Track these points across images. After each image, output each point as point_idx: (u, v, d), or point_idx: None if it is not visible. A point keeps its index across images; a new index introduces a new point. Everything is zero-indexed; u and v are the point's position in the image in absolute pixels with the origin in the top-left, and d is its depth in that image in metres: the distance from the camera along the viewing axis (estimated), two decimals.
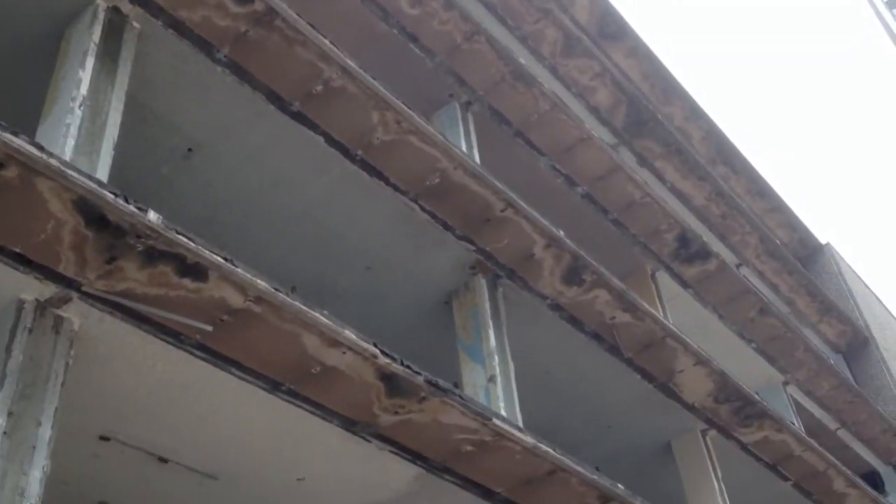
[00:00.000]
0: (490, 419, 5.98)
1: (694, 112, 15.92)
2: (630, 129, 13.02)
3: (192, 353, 4.92)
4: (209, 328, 4.74)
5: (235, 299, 4.71)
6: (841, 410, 15.10)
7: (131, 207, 4.24)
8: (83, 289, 4.41)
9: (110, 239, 4.28)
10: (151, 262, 4.42)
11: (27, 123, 4.88)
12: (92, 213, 4.20)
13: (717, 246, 13.34)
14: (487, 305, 7.89)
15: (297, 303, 4.90)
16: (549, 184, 10.18)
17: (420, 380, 5.52)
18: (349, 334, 5.14)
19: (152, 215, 4.30)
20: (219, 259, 4.55)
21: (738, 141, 16.92)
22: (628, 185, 10.79)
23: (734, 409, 10.22)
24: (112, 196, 4.20)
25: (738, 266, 14.48)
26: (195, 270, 4.51)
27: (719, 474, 9.97)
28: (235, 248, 4.81)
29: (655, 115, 13.27)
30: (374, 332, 5.40)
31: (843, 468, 11.62)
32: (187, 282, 4.54)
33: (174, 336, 4.81)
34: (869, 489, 12.24)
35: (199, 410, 5.37)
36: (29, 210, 4.14)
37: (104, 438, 5.32)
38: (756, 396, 10.41)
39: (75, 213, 4.18)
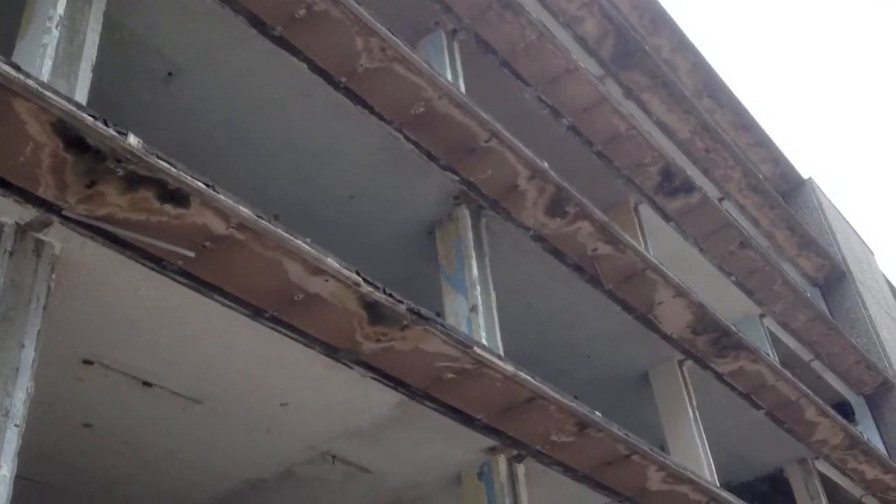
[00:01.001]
0: (471, 347, 6.06)
1: (681, 44, 15.77)
2: (617, 61, 12.90)
3: (174, 279, 4.92)
4: (191, 254, 4.74)
5: (218, 226, 4.70)
6: (815, 342, 15.41)
7: (111, 131, 4.18)
8: (64, 213, 4.39)
9: (90, 163, 4.24)
10: (132, 187, 4.38)
11: (1, 45, 4.78)
12: (71, 136, 4.15)
13: (700, 179, 13.37)
14: (470, 236, 7.92)
15: (279, 230, 4.90)
16: (535, 115, 10.12)
17: (402, 308, 5.57)
18: (332, 262, 5.16)
19: (132, 139, 4.25)
20: (201, 185, 4.52)
21: (725, 74, 16.82)
22: (614, 117, 10.74)
23: (711, 341, 10.40)
24: (91, 119, 4.14)
25: (720, 200, 14.55)
26: (177, 196, 4.49)
27: (694, 403, 10.20)
28: (217, 175, 4.77)
29: (643, 47, 13.14)
30: (357, 261, 5.41)
31: (815, 398, 11.91)
32: (169, 208, 4.52)
33: (156, 262, 4.80)
34: (839, 418, 12.57)
35: (183, 336, 5.40)
36: (7, 132, 4.08)
37: (88, 362, 5.36)
38: (733, 328, 10.59)
39: (54, 136, 4.12)
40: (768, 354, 11.84)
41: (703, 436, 9.97)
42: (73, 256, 4.64)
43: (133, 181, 4.36)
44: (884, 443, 16.38)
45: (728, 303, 12.90)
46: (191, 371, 5.69)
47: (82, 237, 4.55)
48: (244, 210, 4.71)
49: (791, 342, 15.05)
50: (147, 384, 5.65)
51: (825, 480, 13.03)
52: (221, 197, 4.60)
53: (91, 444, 6.20)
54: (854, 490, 13.92)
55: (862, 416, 16.78)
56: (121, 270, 4.80)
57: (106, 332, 5.23)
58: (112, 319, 5.15)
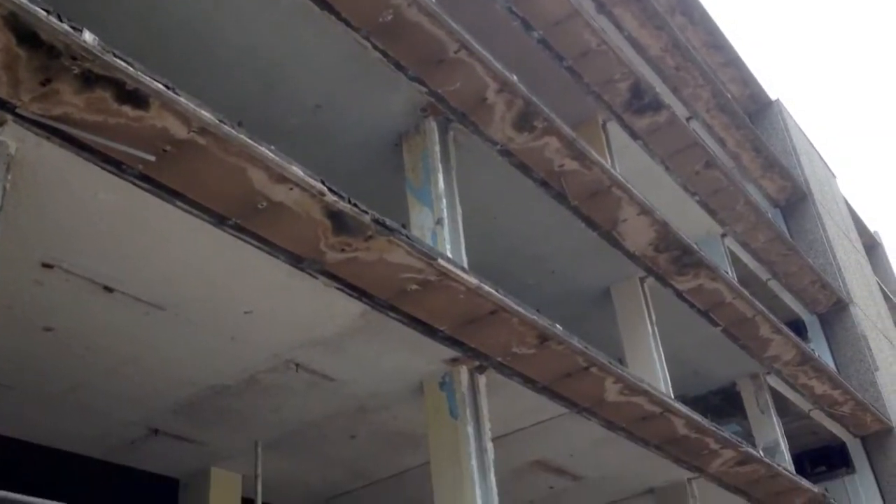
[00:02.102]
0: (435, 259, 6.07)
1: None
2: None
3: (134, 184, 4.83)
4: (151, 158, 4.64)
5: (178, 130, 4.60)
6: (774, 262, 15.71)
7: (65, 26, 4.02)
8: (18, 111, 4.25)
9: (44, 59, 4.08)
10: (89, 87, 4.25)
11: None
12: (23, 31, 3.98)
13: (668, 98, 13.33)
14: (437, 149, 7.85)
15: (242, 136, 4.80)
16: (506, 26, 9.94)
17: (367, 218, 5.54)
18: (296, 170, 5.09)
19: (88, 36, 4.09)
20: (160, 86, 4.39)
21: None
22: (585, 31, 10.59)
23: (673, 258, 10.55)
24: (44, 13, 3.97)
25: (687, 119, 14.56)
26: (135, 97, 4.36)
27: (653, 319, 10.41)
28: (179, 80, 4.63)
29: None
30: (323, 172, 5.34)
31: (771, 316, 12.21)
32: (127, 109, 4.39)
33: (115, 165, 4.70)
34: (792, 335, 12.94)
35: (145, 242, 5.34)
36: None
37: (47, 266, 5.29)
38: (694, 247, 10.74)
39: (6, 31, 3.95)
40: (727, 273, 12.07)
41: (661, 351, 10.22)
42: (29, 157, 4.53)
43: (89, 80, 4.22)
44: (834, 360, 16.94)
45: (691, 222, 13.05)
46: (153, 277, 5.65)
47: (38, 137, 4.43)
48: (205, 114, 4.60)
49: (750, 261, 15.34)
50: (108, 289, 5.61)
51: (776, 395, 13.49)
52: (182, 99, 4.48)
53: (52, 347, 6.18)
54: (803, 404, 14.45)
55: (814, 335, 17.28)
56: (79, 173, 4.70)
57: (65, 236, 5.16)
58: (71, 223, 5.07)
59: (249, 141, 4.85)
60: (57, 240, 5.17)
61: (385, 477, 9.09)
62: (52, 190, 4.79)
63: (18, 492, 4.71)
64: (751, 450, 9.95)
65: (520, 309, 6.71)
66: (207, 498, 8.16)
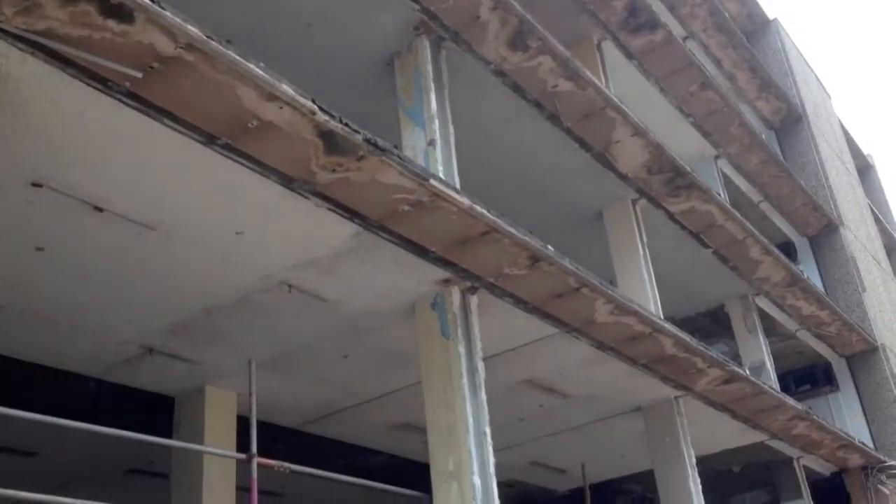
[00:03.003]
0: (427, 180, 6.04)
1: None
2: None
3: (122, 101, 4.75)
4: (138, 75, 4.55)
5: (165, 45, 4.50)
6: (766, 184, 15.72)
7: None
8: (1, 26, 4.15)
9: None
10: (72, 0, 4.14)
11: None
12: None
13: (665, 17, 13.10)
14: (430, 68, 7.74)
15: (231, 52, 4.71)
16: None
17: (359, 138, 5.48)
18: (286, 89, 5.01)
19: None
20: (145, 0, 4.28)
21: None
22: None
23: (665, 180, 10.54)
24: None
25: (684, 39, 14.33)
26: (120, 11, 4.25)
27: (644, 241, 10.46)
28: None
29: None
30: (314, 92, 5.26)
31: (761, 238, 12.28)
32: (112, 23, 4.29)
33: (102, 82, 4.61)
34: (782, 257, 13.04)
35: (134, 161, 5.29)
36: None
37: (36, 185, 5.25)
38: (687, 168, 10.71)
39: None
40: (720, 195, 12.08)
41: (651, 272, 10.29)
42: (14, 73, 4.44)
43: None
44: (823, 281, 17.13)
45: (684, 143, 13.01)
46: (143, 197, 5.61)
47: (22, 53, 4.33)
48: (192, 29, 4.50)
49: (742, 183, 15.35)
50: (98, 209, 5.57)
51: (763, 315, 13.68)
52: (168, 14, 4.37)
53: (44, 268, 6.18)
54: (790, 325, 14.66)
55: (804, 257, 17.43)
56: (65, 90, 4.61)
57: (53, 155, 5.09)
58: (59, 142, 5.00)
59: (238, 58, 4.75)
60: (45, 158, 5.11)
61: (377, 396, 9.25)
62: (39, 107, 4.71)
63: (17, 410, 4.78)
64: (737, 369, 10.13)
65: (511, 230, 6.72)
66: (203, 415, 8.29)
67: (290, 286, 6.91)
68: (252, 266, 6.58)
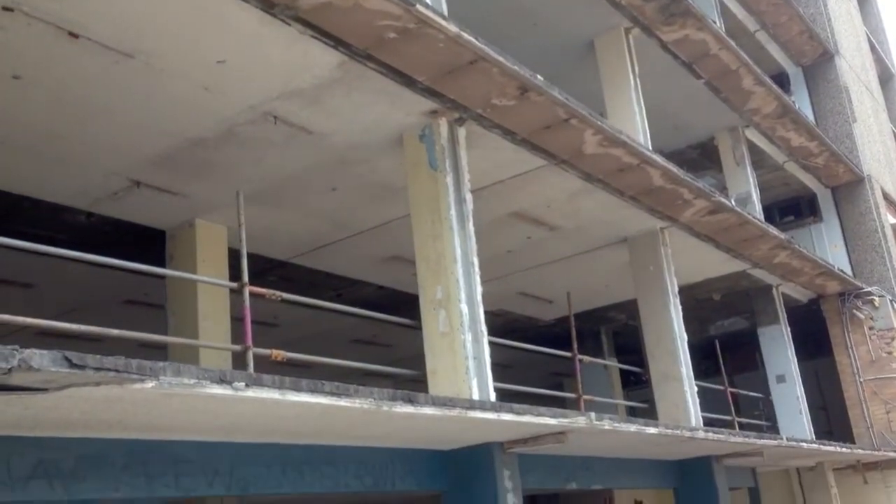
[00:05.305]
0: (414, 5, 5.82)
1: None
2: None
3: None
4: None
5: None
6: (763, 12, 15.28)
7: None
8: None
9: None
10: None
11: None
12: None
13: None
14: None
15: None
16: None
17: None
18: None
19: None
20: None
21: None
22: None
23: (660, 7, 10.22)
24: None
25: None
26: None
27: (636, 71, 10.27)
28: None
29: None
30: None
31: (755, 67, 12.06)
32: None
33: None
34: (774, 87, 12.87)
35: None
36: None
37: (7, 9, 5.04)
38: None
39: None
40: (715, 23, 11.74)
41: (642, 104, 10.17)
42: None
43: None
44: (814, 112, 17.02)
45: None
46: (120, 24, 5.41)
47: None
48: None
49: (739, 11, 14.90)
50: (74, 35, 5.38)
51: (752, 148, 13.67)
52: None
53: (22, 96, 6.05)
54: (778, 156, 14.69)
55: (797, 88, 17.21)
56: None
57: None
58: None
59: None
60: None
61: (367, 228, 9.35)
62: None
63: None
64: (723, 199, 10.22)
65: (500, 58, 6.55)
66: (195, 248, 8.39)
67: (275, 118, 6.82)
68: (236, 96, 6.46)
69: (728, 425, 11.68)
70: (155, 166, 7.36)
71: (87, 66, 5.77)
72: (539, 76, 7.01)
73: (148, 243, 8.53)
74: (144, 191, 7.75)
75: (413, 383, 7.59)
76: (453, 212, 6.99)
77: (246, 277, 6.10)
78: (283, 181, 7.98)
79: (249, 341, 5.88)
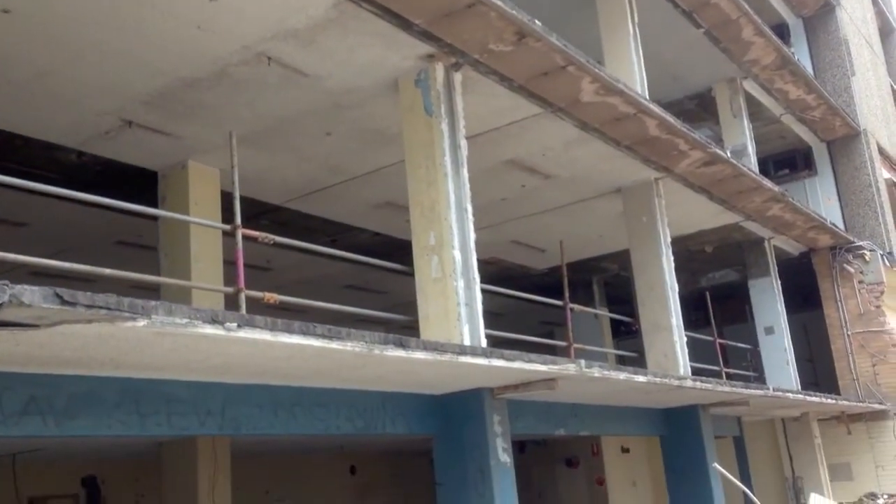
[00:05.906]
0: None
1: None
2: None
3: None
4: None
5: None
6: None
7: None
8: None
9: None
10: None
11: None
12: None
13: None
14: None
15: None
16: None
17: None
18: None
19: None
20: None
21: None
22: None
23: None
24: None
25: None
26: None
27: (636, 20, 10.13)
28: None
29: None
30: None
31: (755, 17, 11.92)
32: None
33: None
34: (774, 38, 12.73)
35: None
36: None
37: None
38: None
39: None
40: None
41: (640, 53, 10.05)
42: None
43: None
44: (812, 64, 16.86)
45: None
46: None
47: None
48: None
49: None
50: None
51: (749, 100, 13.58)
52: None
53: (12, 30, 5.96)
54: (775, 109, 14.61)
55: (797, 40, 17.03)
56: None
57: None
58: None
59: None
60: None
61: (361, 173, 9.30)
62: None
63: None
64: (718, 151, 10.19)
65: (498, 2, 6.45)
66: (187, 190, 8.35)
67: (269, 59, 6.73)
68: (228, 36, 6.36)
69: (716, 375, 11.81)
70: (147, 106, 7.28)
71: (78, 2, 5.66)
72: (537, 21, 6.92)
73: (140, 185, 8.48)
74: (136, 131, 7.68)
75: (406, 329, 7.63)
76: (448, 158, 6.95)
77: (238, 219, 6.07)
78: (277, 124, 7.91)
79: (242, 283, 5.88)
